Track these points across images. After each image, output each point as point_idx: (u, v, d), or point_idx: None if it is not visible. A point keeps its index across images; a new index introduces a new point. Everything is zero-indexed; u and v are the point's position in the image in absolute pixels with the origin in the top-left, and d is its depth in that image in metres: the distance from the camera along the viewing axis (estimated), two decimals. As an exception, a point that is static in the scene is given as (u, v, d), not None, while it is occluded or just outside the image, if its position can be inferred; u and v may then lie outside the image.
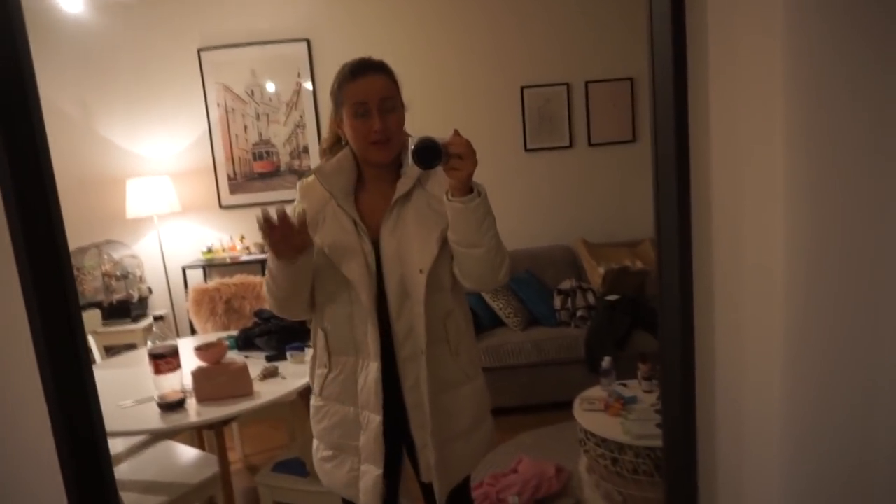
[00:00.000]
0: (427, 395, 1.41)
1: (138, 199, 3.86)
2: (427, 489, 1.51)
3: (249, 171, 4.15)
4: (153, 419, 2.02)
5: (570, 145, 4.19)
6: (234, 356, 2.49)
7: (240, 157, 4.14)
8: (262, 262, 3.89)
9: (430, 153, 1.24)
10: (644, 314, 3.46)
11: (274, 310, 1.50)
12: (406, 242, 1.40)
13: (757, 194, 0.74)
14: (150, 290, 4.08)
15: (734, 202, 0.77)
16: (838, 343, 0.71)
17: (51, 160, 0.90)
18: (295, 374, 2.28)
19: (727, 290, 0.78)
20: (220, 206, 4.16)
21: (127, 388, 2.25)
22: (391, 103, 1.40)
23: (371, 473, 1.44)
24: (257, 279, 3.38)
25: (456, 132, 1.27)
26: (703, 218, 0.78)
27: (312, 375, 1.56)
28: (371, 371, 1.42)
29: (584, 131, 4.17)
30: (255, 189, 4.15)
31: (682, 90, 0.77)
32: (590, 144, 4.18)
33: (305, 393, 2.22)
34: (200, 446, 2.67)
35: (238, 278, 3.38)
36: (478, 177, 1.31)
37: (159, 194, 3.89)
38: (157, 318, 2.16)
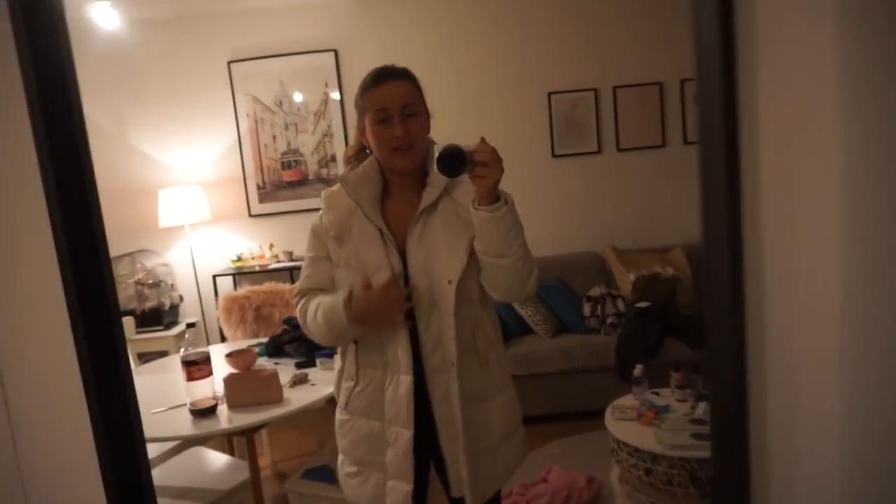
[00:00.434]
0: (458, 407, 1.39)
1: (170, 208, 3.93)
2: (457, 502, 1.49)
3: (278, 180, 4.20)
4: (185, 425, 2.04)
5: (599, 151, 4.15)
6: (264, 363, 2.52)
7: (268, 167, 4.19)
8: (291, 270, 3.94)
9: (455, 161, 1.23)
10: (675, 322, 3.40)
11: (314, 340, 1.52)
12: (433, 252, 1.39)
13: (810, 198, 0.69)
14: (181, 298, 4.14)
15: (787, 207, 0.72)
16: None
17: (94, 176, 0.92)
18: (324, 380, 2.29)
19: (780, 300, 0.73)
20: (250, 214, 4.22)
21: (160, 395, 2.29)
22: (413, 109, 1.39)
23: (400, 489, 1.42)
24: (286, 287, 3.41)
25: (482, 140, 1.26)
26: (755, 225, 0.74)
27: (338, 388, 1.55)
28: (402, 384, 1.40)
29: (612, 136, 4.13)
30: (284, 198, 4.20)
31: (730, 86, 0.71)
32: (618, 150, 4.14)
33: (334, 400, 2.23)
34: (231, 452, 2.70)
35: (267, 286, 3.42)
36: (505, 184, 1.29)
37: (190, 204, 3.96)
38: (190, 325, 2.20)
